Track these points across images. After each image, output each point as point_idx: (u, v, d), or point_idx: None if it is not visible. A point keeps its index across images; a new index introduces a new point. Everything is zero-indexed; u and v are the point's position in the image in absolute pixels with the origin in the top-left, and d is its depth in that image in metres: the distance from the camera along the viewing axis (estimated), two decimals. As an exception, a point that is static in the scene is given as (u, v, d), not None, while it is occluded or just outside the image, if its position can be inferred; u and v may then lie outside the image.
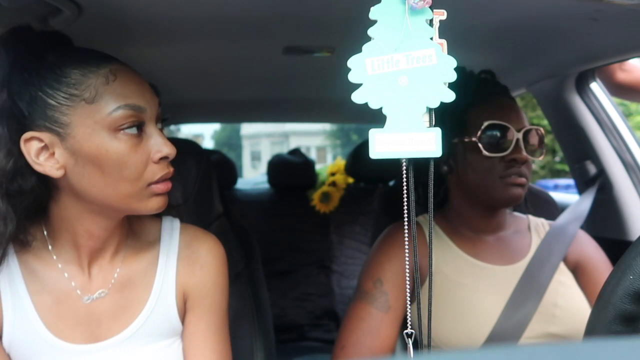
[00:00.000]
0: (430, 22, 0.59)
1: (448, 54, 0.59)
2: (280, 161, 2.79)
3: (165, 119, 0.84)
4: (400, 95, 0.58)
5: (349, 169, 2.62)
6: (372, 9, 0.58)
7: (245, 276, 1.25)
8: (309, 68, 1.47)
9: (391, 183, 2.40)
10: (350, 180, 2.67)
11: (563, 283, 1.10)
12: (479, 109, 1.07)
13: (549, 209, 1.41)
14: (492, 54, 1.28)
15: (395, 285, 1.06)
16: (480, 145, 1.04)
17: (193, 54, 1.29)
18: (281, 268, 2.51)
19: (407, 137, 0.58)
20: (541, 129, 1.09)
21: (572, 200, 1.55)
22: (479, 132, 1.04)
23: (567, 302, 1.07)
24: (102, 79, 0.74)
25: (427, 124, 0.59)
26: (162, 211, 0.94)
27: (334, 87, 1.44)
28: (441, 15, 0.59)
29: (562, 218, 1.24)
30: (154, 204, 0.79)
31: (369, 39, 0.58)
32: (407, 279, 0.66)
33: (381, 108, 0.58)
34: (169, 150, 0.78)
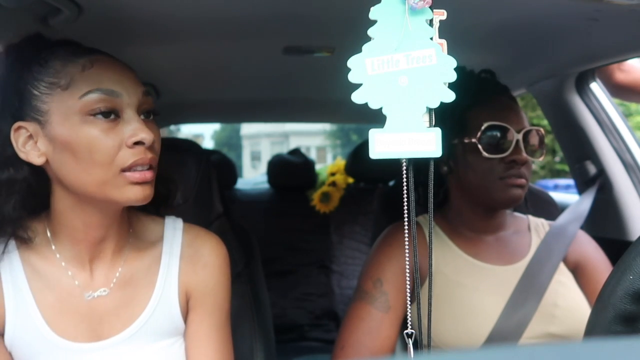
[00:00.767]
0: (430, 22, 0.59)
1: (448, 54, 0.59)
2: (280, 161, 2.79)
3: (156, 113, 0.83)
4: (400, 95, 0.58)
5: (349, 169, 2.62)
6: (372, 9, 0.58)
7: (245, 276, 1.25)
8: (309, 68, 1.47)
9: (391, 183, 2.40)
10: (350, 180, 2.67)
11: (563, 283, 1.10)
12: (479, 110, 1.07)
13: (549, 209, 1.41)
14: (492, 54, 1.28)
15: (395, 285, 1.06)
16: (480, 146, 1.04)
17: (193, 54, 1.29)
18: (281, 268, 2.51)
19: (407, 137, 0.58)
20: (541, 130, 1.09)
21: (572, 200, 1.55)
22: (479, 133, 1.04)
23: (567, 302, 1.07)
24: (79, 67, 0.76)
25: (427, 124, 0.59)
26: (162, 211, 0.94)
27: (334, 87, 1.44)
28: (441, 15, 0.59)
29: (562, 218, 1.24)
30: (132, 194, 0.77)
31: (369, 39, 0.58)
32: (407, 279, 0.66)
33: (381, 108, 0.58)
34: (144, 135, 0.76)
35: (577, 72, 1.48)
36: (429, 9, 0.58)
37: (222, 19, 1.01)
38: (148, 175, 0.78)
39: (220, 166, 2.55)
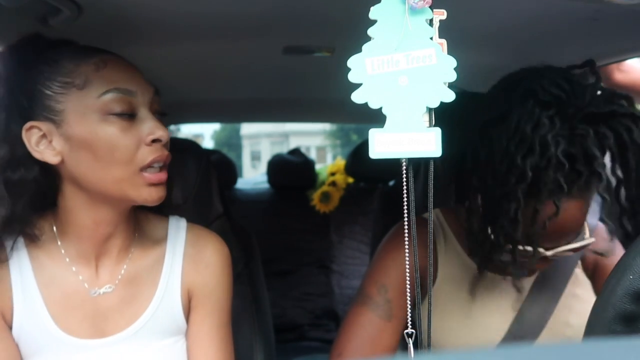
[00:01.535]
0: (430, 22, 0.59)
1: (448, 54, 0.59)
2: (280, 161, 2.79)
3: (164, 114, 0.85)
4: (400, 95, 0.58)
5: (349, 169, 2.62)
6: (372, 8, 0.58)
7: (245, 276, 1.25)
8: (309, 68, 1.47)
9: (391, 183, 2.40)
10: (350, 180, 2.67)
11: (578, 297, 1.03)
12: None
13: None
14: (492, 54, 1.28)
15: (400, 293, 1.00)
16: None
17: (193, 54, 1.29)
18: (281, 268, 2.51)
19: (407, 137, 0.58)
20: None
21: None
22: None
23: (581, 321, 1.00)
24: (92, 67, 0.77)
25: (427, 124, 0.59)
26: (164, 211, 0.95)
27: (334, 87, 1.44)
28: (441, 15, 0.59)
29: None
30: (148, 194, 0.80)
31: (369, 38, 0.58)
32: (408, 279, 0.66)
33: (381, 108, 0.58)
34: (161, 132, 0.79)
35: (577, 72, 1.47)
36: (429, 9, 0.58)
37: (222, 19, 1.01)
38: (163, 176, 0.81)
39: (220, 166, 2.55)
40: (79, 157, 0.77)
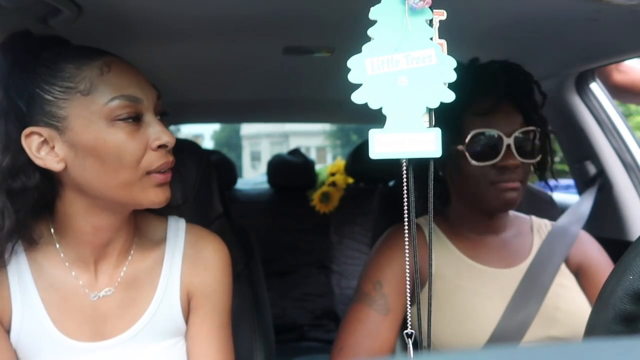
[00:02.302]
0: (430, 22, 0.59)
1: (448, 54, 0.59)
2: (280, 161, 2.79)
3: (165, 113, 0.84)
4: (400, 95, 0.58)
5: (349, 169, 2.62)
6: (372, 9, 0.58)
7: (245, 276, 1.25)
8: (309, 68, 1.47)
9: (391, 183, 2.40)
10: (350, 180, 2.67)
11: (565, 286, 1.09)
12: (468, 114, 1.03)
13: (549, 209, 1.41)
14: (492, 54, 1.28)
15: (395, 288, 1.05)
16: (467, 154, 1.01)
17: (193, 54, 1.29)
18: (281, 268, 2.51)
19: (407, 137, 0.58)
20: (535, 129, 1.05)
21: (572, 201, 1.55)
22: (467, 141, 1.01)
23: (569, 306, 1.06)
24: (96, 71, 0.75)
25: (427, 124, 0.59)
26: (164, 211, 0.94)
27: (334, 87, 1.44)
28: (441, 15, 0.59)
29: (564, 219, 1.23)
30: (155, 196, 0.79)
31: (369, 39, 0.58)
32: (407, 279, 0.66)
33: (381, 108, 0.58)
34: (167, 138, 0.78)
35: (577, 72, 1.47)
36: (429, 9, 0.58)
37: (222, 19, 1.01)
38: (169, 176, 0.80)
39: (220, 166, 2.55)
40: (85, 164, 0.76)
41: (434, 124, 0.59)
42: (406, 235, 0.61)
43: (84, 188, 0.78)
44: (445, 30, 0.59)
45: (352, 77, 0.58)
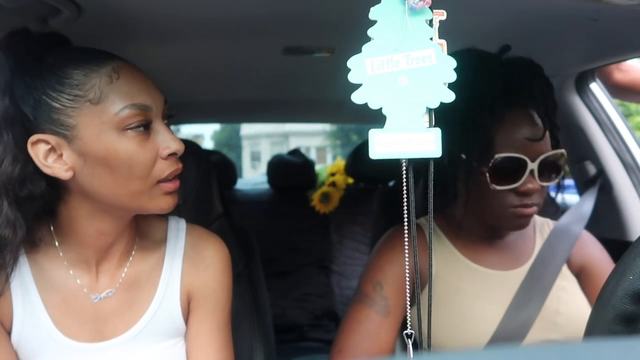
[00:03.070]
0: (430, 23, 0.59)
1: (448, 54, 0.59)
2: (280, 161, 2.79)
3: (172, 115, 0.84)
4: (400, 95, 0.58)
5: (349, 169, 2.62)
6: (372, 9, 0.58)
7: (245, 276, 1.25)
8: (309, 68, 1.47)
9: (391, 183, 2.40)
10: (350, 180, 2.67)
11: (566, 289, 1.08)
12: (497, 132, 0.97)
13: (549, 209, 1.41)
14: (492, 54, 1.28)
15: (395, 289, 1.05)
16: (488, 176, 0.96)
17: (193, 54, 1.29)
18: (281, 268, 2.51)
19: (407, 137, 0.58)
20: (562, 152, 1.01)
21: (572, 201, 1.55)
22: (490, 163, 0.96)
23: (569, 309, 1.05)
24: (105, 78, 0.74)
25: (427, 124, 0.59)
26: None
27: (334, 88, 1.44)
28: (441, 15, 0.59)
29: (565, 218, 1.22)
30: (164, 203, 0.79)
31: (368, 39, 0.58)
32: (407, 279, 0.66)
33: (381, 108, 0.58)
34: (177, 146, 0.78)
35: (577, 72, 1.47)
36: (429, 9, 0.58)
37: (221, 19, 1.01)
38: (178, 184, 0.80)
39: (220, 166, 2.55)
40: (95, 173, 0.75)
41: (434, 123, 0.59)
42: (406, 236, 0.61)
43: (92, 195, 0.77)
44: (445, 30, 0.59)
45: (352, 77, 0.58)
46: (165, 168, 0.78)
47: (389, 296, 1.04)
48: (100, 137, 0.74)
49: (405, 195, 0.60)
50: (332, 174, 2.72)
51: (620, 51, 1.20)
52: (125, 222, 0.84)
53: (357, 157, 2.53)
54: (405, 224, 0.60)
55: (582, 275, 1.12)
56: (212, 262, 0.91)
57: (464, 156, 1.01)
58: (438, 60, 0.58)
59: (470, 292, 1.05)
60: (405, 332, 0.67)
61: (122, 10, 0.91)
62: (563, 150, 1.02)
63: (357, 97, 0.58)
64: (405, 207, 0.60)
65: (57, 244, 0.83)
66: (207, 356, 0.90)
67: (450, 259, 1.09)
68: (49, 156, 0.74)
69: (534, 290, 1.05)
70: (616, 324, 0.57)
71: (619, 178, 1.51)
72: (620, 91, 1.61)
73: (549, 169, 1.00)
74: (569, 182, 1.79)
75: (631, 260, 0.57)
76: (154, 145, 0.77)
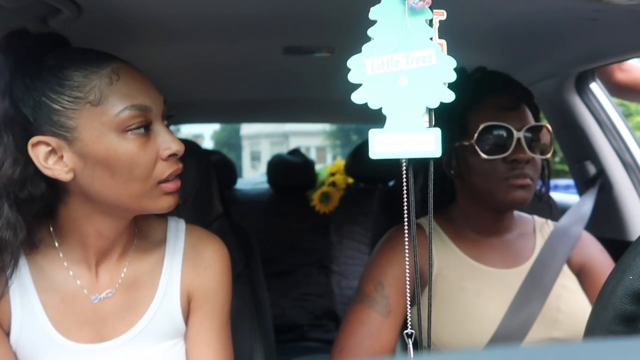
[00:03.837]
0: (430, 23, 0.59)
1: (448, 54, 0.59)
2: (280, 161, 2.79)
3: (171, 116, 0.84)
4: (400, 95, 0.58)
5: (349, 169, 2.62)
6: (372, 9, 0.58)
7: (245, 276, 1.25)
8: (309, 68, 1.47)
9: (391, 183, 2.40)
10: (350, 180, 2.67)
11: (567, 287, 1.09)
12: (476, 110, 1.04)
13: (549, 210, 1.41)
14: (492, 54, 1.28)
15: (396, 289, 1.05)
16: (477, 148, 1.02)
17: (193, 54, 1.29)
18: (281, 268, 2.51)
19: (407, 137, 0.58)
20: (547, 126, 1.06)
21: (572, 201, 1.55)
22: (476, 135, 1.02)
23: (570, 307, 1.06)
24: (105, 80, 0.74)
25: (427, 124, 0.59)
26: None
27: (333, 87, 1.44)
28: (441, 15, 0.59)
29: (565, 219, 1.22)
30: (165, 203, 0.79)
31: (368, 39, 0.58)
32: (407, 279, 0.66)
33: (381, 108, 0.58)
34: (177, 147, 0.78)
35: (577, 72, 1.47)
36: (429, 9, 0.58)
37: (221, 19, 1.01)
38: (179, 184, 0.80)
39: (220, 166, 2.55)
40: (95, 174, 0.75)
41: (434, 123, 0.59)
42: (407, 235, 0.61)
43: (92, 196, 0.77)
44: (445, 30, 0.59)
45: (352, 77, 0.58)
46: (166, 169, 0.78)
47: (390, 296, 1.05)
48: (101, 138, 0.73)
49: (405, 195, 0.60)
50: (332, 174, 2.72)
51: (620, 51, 1.20)
52: (125, 223, 0.84)
53: (357, 157, 2.53)
54: (406, 223, 0.60)
55: (582, 274, 1.12)
56: (212, 263, 0.91)
57: (456, 144, 1.06)
58: (438, 60, 0.58)
59: (472, 290, 1.05)
60: (405, 332, 0.67)
61: (121, 10, 0.91)
62: (547, 125, 1.07)
63: (357, 97, 0.58)
64: (406, 207, 0.60)
65: (56, 244, 0.83)
66: (208, 357, 0.90)
67: (452, 257, 1.09)
68: (49, 158, 0.74)
69: (535, 288, 1.05)
70: (616, 324, 0.57)
71: (619, 178, 1.51)
72: (622, 91, 1.61)
73: (537, 141, 1.05)
74: (569, 182, 1.79)
75: (631, 260, 0.57)
76: (154, 146, 0.77)
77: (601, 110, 1.53)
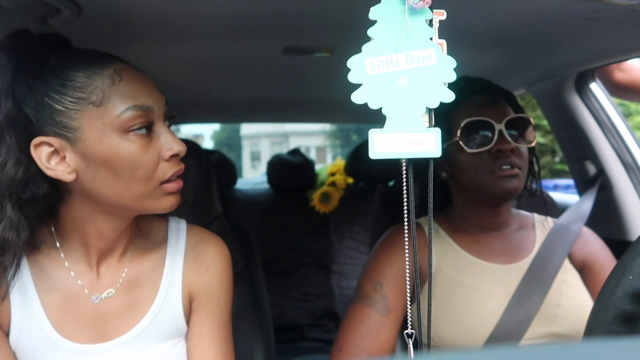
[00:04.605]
0: (430, 23, 0.59)
1: (448, 54, 0.59)
2: (280, 161, 2.79)
3: (173, 116, 0.84)
4: (399, 95, 0.58)
5: (349, 169, 2.62)
6: (372, 9, 0.58)
7: (245, 276, 1.25)
8: (309, 68, 1.47)
9: (391, 183, 2.40)
10: (350, 180, 2.67)
11: (567, 282, 1.09)
12: (458, 111, 1.07)
13: (549, 209, 1.41)
14: (492, 54, 1.28)
15: (395, 288, 1.06)
16: (462, 144, 1.05)
17: (193, 54, 1.29)
18: (281, 268, 2.51)
19: (407, 137, 0.58)
20: (528, 117, 1.09)
21: (572, 201, 1.55)
22: (459, 131, 1.05)
23: (571, 302, 1.07)
24: (108, 80, 0.74)
25: (427, 124, 0.59)
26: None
27: (333, 87, 1.44)
28: (441, 15, 0.59)
29: (565, 216, 1.23)
30: (167, 203, 0.80)
31: (368, 39, 0.58)
32: (407, 278, 0.66)
33: (381, 108, 0.58)
34: (179, 147, 0.78)
35: (576, 72, 1.48)
36: (429, 9, 0.58)
37: (222, 19, 1.01)
38: (181, 184, 0.80)
39: (220, 166, 2.55)
40: (97, 175, 0.75)
41: (433, 124, 0.59)
42: (406, 235, 0.61)
43: (94, 197, 0.77)
44: (445, 30, 0.59)
45: (352, 77, 0.58)
46: (168, 169, 0.78)
47: (389, 295, 1.05)
48: (103, 139, 0.74)
49: (405, 195, 0.60)
50: (332, 174, 2.72)
51: (620, 51, 1.20)
52: (126, 223, 0.84)
53: (357, 157, 2.53)
54: (406, 224, 0.60)
55: (584, 270, 1.13)
56: (213, 263, 0.91)
57: (444, 145, 1.08)
58: (438, 60, 0.58)
59: (472, 285, 1.06)
60: (405, 331, 0.67)
61: (122, 10, 0.91)
62: (527, 115, 1.10)
63: (357, 97, 0.58)
64: (405, 207, 0.60)
65: (58, 244, 0.83)
66: (209, 356, 0.90)
67: (451, 253, 1.10)
68: (52, 158, 0.74)
69: (535, 283, 1.06)
70: (616, 324, 0.57)
71: (619, 178, 1.51)
72: (621, 91, 1.61)
73: (520, 133, 1.09)
74: (569, 182, 1.79)
75: (631, 260, 0.57)
76: (156, 147, 0.77)
77: (601, 110, 1.53)
